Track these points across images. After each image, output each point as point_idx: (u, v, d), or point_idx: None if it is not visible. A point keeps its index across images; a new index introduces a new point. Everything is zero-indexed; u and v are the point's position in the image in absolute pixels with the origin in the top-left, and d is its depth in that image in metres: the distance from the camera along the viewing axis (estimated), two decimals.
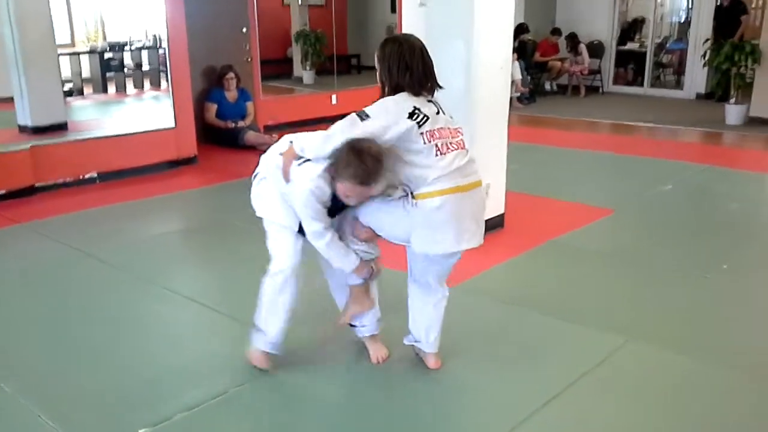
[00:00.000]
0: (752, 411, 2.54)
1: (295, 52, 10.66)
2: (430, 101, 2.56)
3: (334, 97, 9.05)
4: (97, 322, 3.32)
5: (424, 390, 2.68)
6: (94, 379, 2.78)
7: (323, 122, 9.13)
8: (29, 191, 5.51)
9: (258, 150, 7.17)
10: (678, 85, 11.38)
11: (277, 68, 10.23)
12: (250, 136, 7.24)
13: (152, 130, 6.55)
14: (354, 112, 2.52)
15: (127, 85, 10.63)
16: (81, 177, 5.87)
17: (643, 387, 2.68)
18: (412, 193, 2.45)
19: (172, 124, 6.52)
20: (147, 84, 10.89)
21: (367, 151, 2.35)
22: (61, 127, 6.69)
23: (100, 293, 3.65)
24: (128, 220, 4.98)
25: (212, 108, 7.39)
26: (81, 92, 10.09)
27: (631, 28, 12.02)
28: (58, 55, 7.15)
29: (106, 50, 10.44)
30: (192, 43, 6.62)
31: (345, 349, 2.95)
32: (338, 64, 9.79)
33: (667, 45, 11.92)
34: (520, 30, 10.43)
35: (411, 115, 2.44)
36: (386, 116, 2.44)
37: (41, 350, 3.05)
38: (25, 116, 6.55)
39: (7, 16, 6.37)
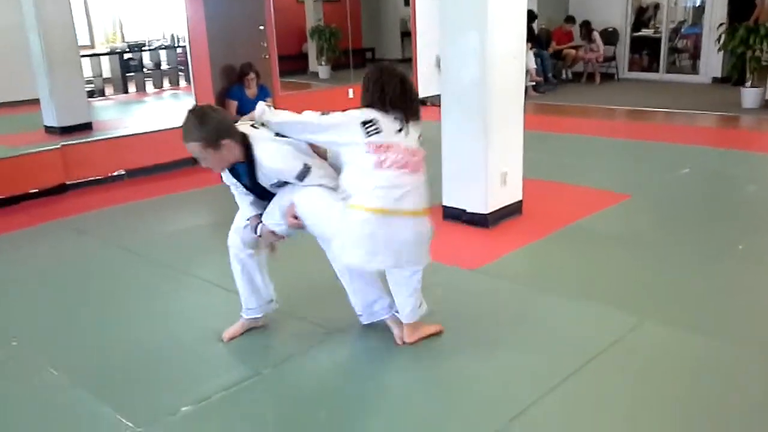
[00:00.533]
0: (766, 391, 2.60)
1: (311, 47, 10.77)
2: (397, 119, 2.69)
3: (350, 90, 9.16)
4: (133, 310, 3.48)
5: (440, 367, 2.80)
6: (134, 362, 2.93)
7: None
8: (60, 189, 5.70)
9: None
10: (694, 69, 11.36)
11: (293, 64, 10.35)
12: None
13: (176, 128, 6.67)
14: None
15: (147, 85, 10.83)
16: (109, 174, 6.05)
17: (658, 366, 2.76)
18: (347, 198, 2.64)
19: None
20: (166, 83, 11.07)
21: (190, 111, 2.62)
22: (85, 127, 6.87)
23: (134, 283, 3.81)
24: (156, 215, 5.14)
25: (233, 105, 7.51)
26: (102, 93, 10.29)
27: (645, 14, 12.00)
28: (80, 56, 7.30)
29: (125, 51, 10.63)
30: (210, 42, 6.76)
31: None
32: (353, 58, 9.89)
33: (682, 30, 11.89)
34: (529, 18, 10.46)
35: (364, 124, 2.61)
36: (342, 118, 2.66)
37: (83, 337, 3.21)
38: (51, 117, 6.74)
39: (32, 23, 6.58)
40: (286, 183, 2.72)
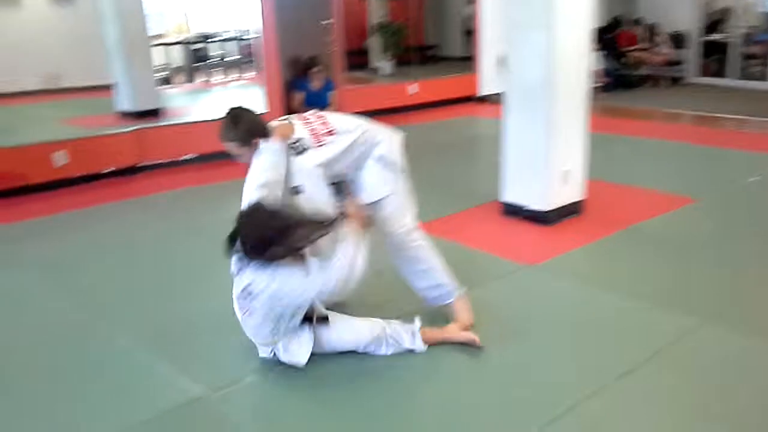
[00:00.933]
0: None
1: (372, 43, 10.89)
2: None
3: (411, 87, 9.24)
4: (199, 283, 3.64)
5: (495, 363, 2.84)
6: (203, 331, 3.09)
7: (401, 111, 9.40)
8: (133, 170, 5.96)
9: None
10: (765, 76, 11.01)
11: (356, 59, 10.49)
12: None
13: None
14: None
15: (213, 75, 11.14)
16: (179, 158, 6.28)
17: (716, 367, 2.74)
18: None
19: (264, 110, 6.85)
20: (232, 73, 11.36)
21: (227, 113, 2.87)
22: (155, 113, 7.15)
23: (200, 259, 3.97)
24: (221, 198, 5.31)
25: (299, 97, 7.69)
26: (172, 81, 10.65)
27: (716, 18, 11.69)
28: (151, 46, 7.57)
29: (194, 41, 10.96)
30: (279, 33, 6.93)
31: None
32: (416, 55, 9.97)
33: (755, 36, 11.53)
34: (615, 25, 10.50)
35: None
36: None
37: (153, 306, 3.39)
38: (123, 102, 7.04)
39: (108, 14, 6.88)
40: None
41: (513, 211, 4.57)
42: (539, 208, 4.44)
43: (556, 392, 2.58)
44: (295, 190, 2.81)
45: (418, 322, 2.85)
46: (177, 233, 4.47)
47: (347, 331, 2.74)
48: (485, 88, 9.55)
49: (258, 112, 2.94)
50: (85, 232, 4.55)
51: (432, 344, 2.85)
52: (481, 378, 2.72)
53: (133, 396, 2.59)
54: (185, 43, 10.81)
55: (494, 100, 8.58)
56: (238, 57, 11.46)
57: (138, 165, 6.01)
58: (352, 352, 2.80)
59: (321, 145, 2.89)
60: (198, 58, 10.99)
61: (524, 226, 4.45)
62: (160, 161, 6.17)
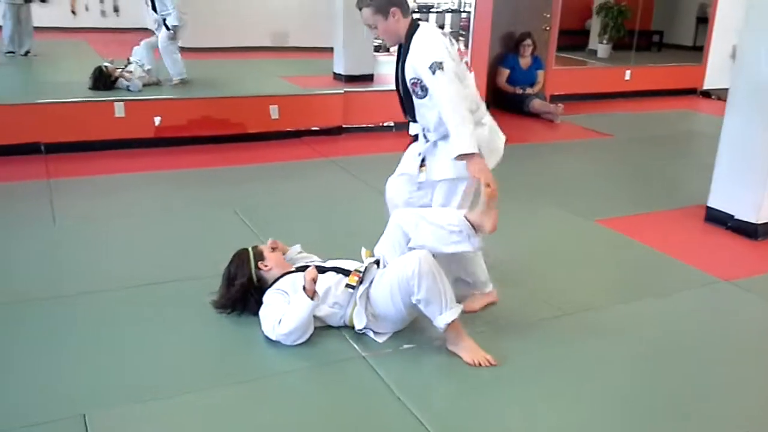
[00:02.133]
0: None
1: (594, 24, 10.38)
2: None
3: (628, 72, 8.72)
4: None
5: (656, 375, 2.65)
6: None
7: (614, 97, 8.92)
8: (337, 131, 6.31)
9: (542, 118, 7.28)
10: None
11: (572, 39, 10.08)
12: (536, 104, 7.35)
13: None
14: None
15: None
16: (380, 124, 6.51)
17: None
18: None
19: None
20: None
21: None
22: (368, 78, 7.42)
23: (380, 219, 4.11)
24: None
25: (505, 73, 7.61)
26: (387, 49, 10.99)
27: None
28: None
29: (413, 11, 11.19)
30: (495, 7, 6.86)
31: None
32: (638, 40, 9.36)
33: None
34: None
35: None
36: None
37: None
38: (340, 65, 7.39)
39: None
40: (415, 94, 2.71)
41: (717, 219, 4.19)
42: (748, 219, 4.02)
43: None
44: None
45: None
46: (362, 195, 4.64)
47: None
48: (711, 82, 8.75)
49: None
50: (290, 182, 4.91)
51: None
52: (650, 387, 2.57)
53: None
54: None
55: (720, 95, 7.85)
56: (456, 30, 11.56)
57: (342, 126, 6.33)
58: None
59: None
60: None
61: (727, 237, 4.07)
62: (362, 125, 6.45)
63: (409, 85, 2.74)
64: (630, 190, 5.00)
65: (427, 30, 2.69)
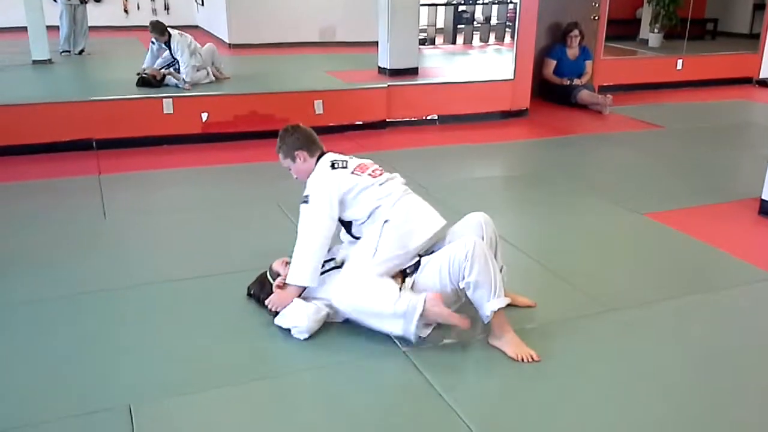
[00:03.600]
0: None
1: (645, 12, 10.13)
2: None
3: (680, 62, 8.48)
4: None
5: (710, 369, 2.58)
6: None
7: (664, 87, 8.72)
8: (381, 125, 6.30)
9: (590, 110, 7.14)
10: None
11: (623, 29, 9.86)
12: (584, 95, 7.21)
13: (491, 81, 6.91)
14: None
15: (474, 38, 11.24)
16: (423, 117, 6.49)
17: None
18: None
19: (511, 76, 6.78)
20: (492, 37, 11.37)
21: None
22: (412, 72, 7.39)
23: None
24: (457, 161, 5.42)
25: (551, 64, 7.48)
26: (432, 42, 10.96)
27: None
28: (420, 5, 7.77)
29: (460, 3, 11.11)
30: None
31: None
32: (691, 28, 9.08)
33: None
34: None
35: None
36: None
37: None
38: (384, 59, 7.37)
39: None
40: None
41: None
42: None
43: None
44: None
45: None
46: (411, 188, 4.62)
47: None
48: None
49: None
50: None
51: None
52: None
53: None
54: (452, 4, 11.02)
55: None
56: (503, 21, 11.43)
57: (386, 120, 6.33)
58: None
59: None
60: (463, 20, 11.16)
61: None
62: (406, 119, 6.43)
63: None
64: (681, 183, 4.87)
65: (317, 170, 2.93)
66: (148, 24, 6.74)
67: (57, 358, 2.59)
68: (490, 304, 2.57)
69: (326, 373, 2.54)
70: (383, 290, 2.64)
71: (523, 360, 2.57)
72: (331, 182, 2.84)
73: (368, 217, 2.82)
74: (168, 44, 6.55)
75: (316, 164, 2.95)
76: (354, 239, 2.92)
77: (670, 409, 2.35)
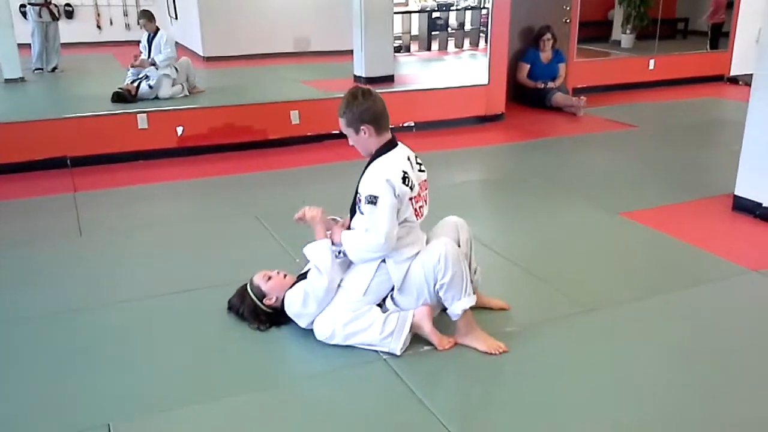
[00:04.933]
0: None
1: (617, 14, 10.25)
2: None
3: (652, 62, 8.59)
4: None
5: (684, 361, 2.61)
6: None
7: (637, 88, 8.81)
8: None
9: (564, 112, 7.20)
10: None
11: (595, 31, 9.96)
12: (558, 98, 7.28)
13: (466, 86, 6.96)
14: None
15: (449, 44, 11.31)
16: (400, 125, 6.51)
17: None
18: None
19: (485, 81, 6.83)
20: (466, 43, 11.45)
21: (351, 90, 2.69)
22: (388, 79, 7.44)
23: None
24: (435, 167, 5.29)
25: (525, 68, 7.55)
26: (408, 49, 11.01)
27: None
28: (393, 13, 7.82)
29: (434, 9, 11.18)
30: (513, 3, 6.80)
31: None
32: (662, 28, 9.21)
33: None
34: None
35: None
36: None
37: None
38: (360, 67, 7.41)
39: None
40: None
41: (745, 208, 4.11)
42: None
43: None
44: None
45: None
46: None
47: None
48: (738, 68, 8.59)
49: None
50: (311, 186, 4.92)
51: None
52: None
53: None
54: (426, 11, 11.09)
55: (747, 81, 7.67)
56: (476, 27, 11.51)
57: None
58: None
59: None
60: (437, 27, 11.23)
61: (756, 226, 3.99)
62: None
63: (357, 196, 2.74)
64: (654, 182, 4.92)
65: (389, 159, 2.66)
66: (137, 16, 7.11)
67: (35, 378, 2.56)
68: (460, 303, 2.60)
69: (309, 384, 2.53)
70: (368, 322, 2.65)
71: (493, 353, 2.62)
72: (396, 199, 2.60)
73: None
74: (154, 36, 6.73)
75: (384, 151, 2.68)
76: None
77: (653, 407, 2.37)
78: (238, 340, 2.80)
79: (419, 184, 2.70)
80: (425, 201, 2.79)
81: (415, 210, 2.69)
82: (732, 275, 3.37)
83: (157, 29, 6.84)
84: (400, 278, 2.67)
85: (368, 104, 2.63)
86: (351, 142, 2.74)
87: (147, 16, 6.87)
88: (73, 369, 2.61)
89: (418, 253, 2.68)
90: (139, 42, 7.11)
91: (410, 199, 2.64)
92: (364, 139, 2.67)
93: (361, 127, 2.63)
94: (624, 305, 3.06)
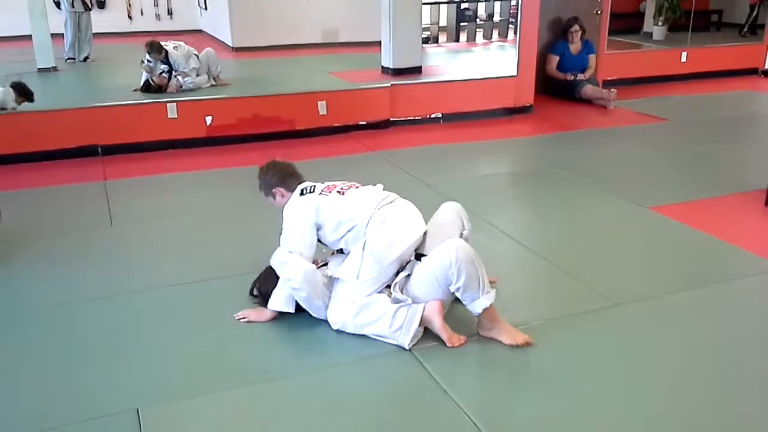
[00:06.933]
0: None
1: (649, 5, 10.09)
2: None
3: (684, 54, 8.45)
4: None
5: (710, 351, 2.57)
6: None
7: (669, 80, 8.68)
8: (385, 124, 6.31)
9: (594, 104, 7.12)
10: None
11: (627, 22, 9.83)
12: (588, 90, 7.19)
13: (495, 78, 6.91)
14: None
15: (477, 35, 11.23)
16: (427, 116, 6.49)
17: None
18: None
19: (514, 73, 6.77)
20: (495, 34, 11.36)
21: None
22: (416, 70, 7.41)
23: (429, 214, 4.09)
24: (462, 159, 5.41)
25: (554, 60, 7.47)
26: (436, 40, 10.95)
27: None
28: (423, 4, 7.78)
29: (463, 0, 11.10)
30: None
31: None
32: (695, 20, 9.04)
33: None
34: None
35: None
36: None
37: None
38: (388, 59, 7.39)
39: None
40: None
41: None
42: None
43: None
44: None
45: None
46: (411, 187, 4.62)
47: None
48: None
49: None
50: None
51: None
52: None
53: None
54: (455, 2, 11.02)
55: None
56: (505, 18, 11.41)
57: (389, 119, 6.33)
58: None
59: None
60: (466, 18, 11.15)
61: None
62: (409, 117, 6.43)
63: None
64: (685, 176, 4.85)
65: (289, 202, 2.97)
66: (145, 45, 6.83)
67: (64, 362, 2.61)
68: (480, 301, 2.59)
69: (332, 373, 2.54)
70: (377, 314, 2.66)
71: (519, 345, 2.60)
72: (300, 209, 2.86)
73: (349, 235, 2.82)
74: (167, 60, 6.65)
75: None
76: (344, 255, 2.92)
77: (679, 402, 2.34)
78: (263, 329, 2.82)
79: (327, 184, 2.98)
80: (348, 184, 2.99)
81: (339, 191, 2.90)
82: (764, 272, 3.30)
83: (166, 53, 6.74)
84: (357, 264, 2.73)
85: (272, 172, 3.09)
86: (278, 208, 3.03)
87: (156, 49, 6.71)
88: (101, 354, 2.66)
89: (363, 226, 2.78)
90: (168, 32, 7.15)
91: (320, 194, 2.89)
92: (281, 200, 3.04)
93: (274, 191, 3.06)
94: (651, 300, 3.02)
